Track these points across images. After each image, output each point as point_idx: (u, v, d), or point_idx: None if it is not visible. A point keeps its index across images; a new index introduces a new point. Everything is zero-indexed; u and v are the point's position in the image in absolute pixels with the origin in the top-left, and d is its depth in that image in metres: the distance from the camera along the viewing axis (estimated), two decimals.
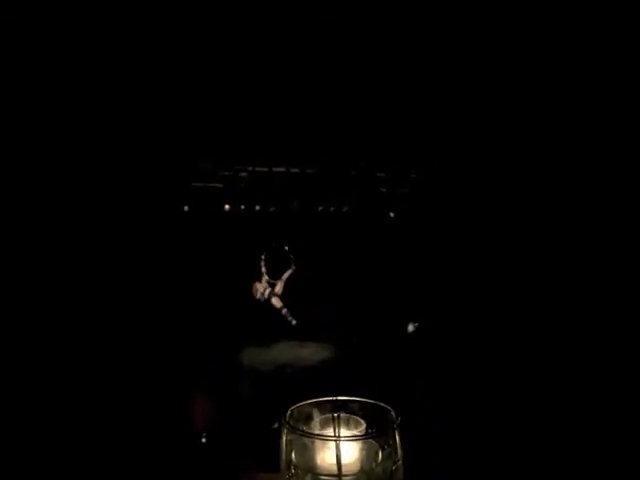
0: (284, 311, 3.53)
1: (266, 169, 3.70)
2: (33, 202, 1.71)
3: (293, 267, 3.78)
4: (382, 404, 0.47)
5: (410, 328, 3.33)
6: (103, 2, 1.77)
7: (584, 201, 2.12)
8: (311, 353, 3.48)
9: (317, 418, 0.52)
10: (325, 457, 0.55)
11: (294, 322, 3.59)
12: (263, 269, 3.68)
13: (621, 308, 1.89)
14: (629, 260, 1.89)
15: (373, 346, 3.06)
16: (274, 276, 3.64)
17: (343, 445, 0.54)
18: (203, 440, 2.00)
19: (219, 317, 3.12)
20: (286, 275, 3.83)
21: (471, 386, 2.22)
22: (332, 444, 0.53)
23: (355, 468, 0.56)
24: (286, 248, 3.70)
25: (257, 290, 3.59)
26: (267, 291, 3.62)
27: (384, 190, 3.66)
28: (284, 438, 0.46)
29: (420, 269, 3.31)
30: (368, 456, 0.54)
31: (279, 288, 3.69)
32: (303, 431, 0.46)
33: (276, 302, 3.72)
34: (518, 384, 1.96)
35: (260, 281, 3.54)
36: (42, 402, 1.43)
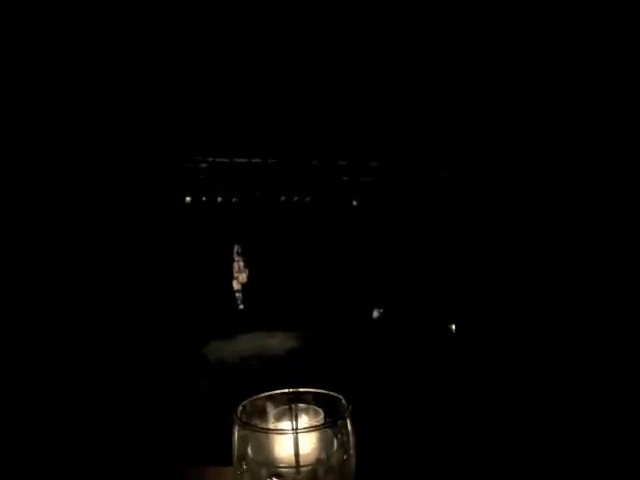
0: (237, 294, 3.53)
1: (227, 160, 3.63)
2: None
3: (238, 258, 3.78)
4: (333, 393, 0.47)
5: (375, 314, 3.36)
6: (89, 21, 1.70)
7: (569, 207, 2.15)
8: (279, 342, 3.45)
9: (272, 411, 0.52)
10: (282, 449, 0.55)
11: (240, 307, 3.59)
12: (235, 257, 3.63)
13: (613, 311, 1.91)
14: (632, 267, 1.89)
15: (338, 333, 3.07)
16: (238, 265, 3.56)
17: (301, 437, 0.53)
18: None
19: (183, 307, 3.04)
20: (237, 265, 3.80)
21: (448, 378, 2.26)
22: (289, 437, 0.53)
23: (312, 458, 0.55)
24: (236, 244, 3.67)
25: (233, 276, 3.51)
26: (238, 276, 3.58)
27: (346, 179, 3.66)
28: (236, 434, 0.45)
29: (384, 256, 3.34)
30: (325, 446, 0.54)
31: (243, 275, 3.67)
32: (256, 426, 0.46)
33: (235, 285, 3.71)
34: (498, 377, 2.01)
35: (234, 268, 3.50)
36: (40, 399, 1.37)
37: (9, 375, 1.37)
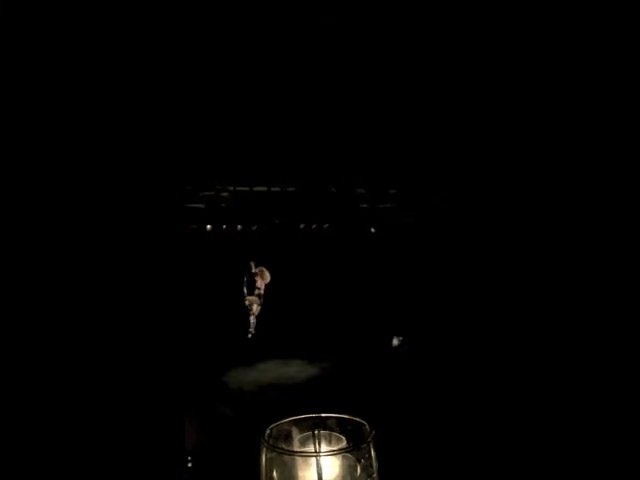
0: (252, 320, 3.57)
1: (247, 188, 3.74)
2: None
3: (257, 283, 3.81)
4: (357, 419, 0.49)
5: (395, 342, 3.35)
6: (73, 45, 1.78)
7: (565, 230, 2.15)
8: (297, 371, 3.46)
9: (296, 436, 0.53)
10: (306, 474, 0.56)
11: (250, 335, 3.64)
12: (255, 283, 3.69)
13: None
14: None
15: (356, 360, 3.06)
16: (252, 291, 3.64)
17: (324, 461, 0.55)
18: (189, 465, 1.97)
19: (201, 334, 3.07)
20: (256, 291, 3.86)
21: (453, 398, 2.24)
22: (313, 461, 0.54)
23: None
24: (253, 265, 3.73)
25: (250, 303, 3.61)
26: (254, 304, 3.66)
27: (365, 206, 3.71)
28: (263, 457, 0.47)
29: (402, 283, 3.33)
30: (349, 471, 0.55)
31: (259, 301, 3.72)
32: (283, 448, 0.47)
33: (254, 310, 3.75)
34: (499, 396, 1.99)
35: (250, 294, 3.58)
36: (33, 420, 1.40)
37: (31, 388, 1.40)
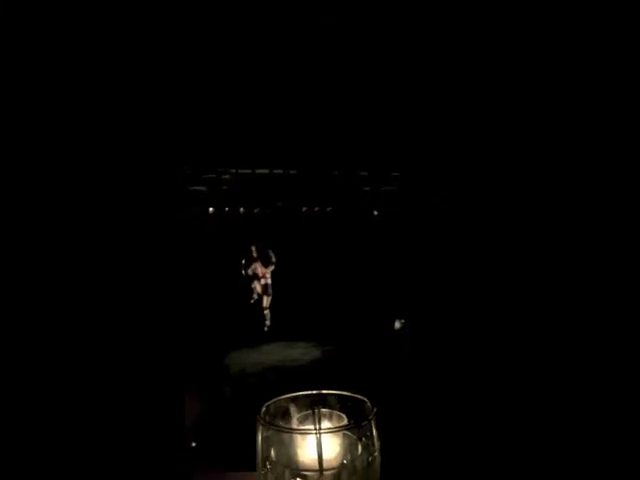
0: (266, 312, 3.59)
1: (249, 171, 3.71)
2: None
3: (273, 266, 3.84)
4: (359, 396, 0.47)
5: (397, 325, 3.35)
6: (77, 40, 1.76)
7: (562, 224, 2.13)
8: (300, 353, 3.49)
9: (296, 414, 0.51)
10: (305, 453, 0.54)
11: (266, 328, 3.66)
12: (257, 269, 3.73)
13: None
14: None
15: (360, 343, 3.07)
16: (262, 276, 3.65)
17: (324, 439, 0.53)
18: (193, 444, 1.98)
19: (206, 318, 3.10)
20: (269, 275, 3.88)
21: (454, 382, 2.23)
22: (312, 439, 0.52)
23: (336, 462, 0.55)
24: (254, 250, 3.72)
25: (255, 288, 3.66)
26: (261, 289, 3.66)
27: (367, 189, 3.70)
28: (259, 435, 0.45)
29: (405, 266, 3.34)
30: (349, 450, 0.53)
31: (269, 289, 3.73)
32: (280, 426, 0.46)
33: (265, 302, 3.76)
34: (500, 380, 1.99)
35: (256, 280, 3.60)
36: (34, 406, 1.41)
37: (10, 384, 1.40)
